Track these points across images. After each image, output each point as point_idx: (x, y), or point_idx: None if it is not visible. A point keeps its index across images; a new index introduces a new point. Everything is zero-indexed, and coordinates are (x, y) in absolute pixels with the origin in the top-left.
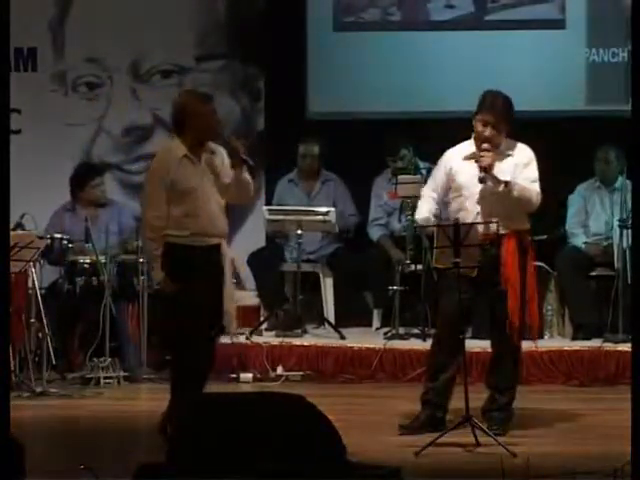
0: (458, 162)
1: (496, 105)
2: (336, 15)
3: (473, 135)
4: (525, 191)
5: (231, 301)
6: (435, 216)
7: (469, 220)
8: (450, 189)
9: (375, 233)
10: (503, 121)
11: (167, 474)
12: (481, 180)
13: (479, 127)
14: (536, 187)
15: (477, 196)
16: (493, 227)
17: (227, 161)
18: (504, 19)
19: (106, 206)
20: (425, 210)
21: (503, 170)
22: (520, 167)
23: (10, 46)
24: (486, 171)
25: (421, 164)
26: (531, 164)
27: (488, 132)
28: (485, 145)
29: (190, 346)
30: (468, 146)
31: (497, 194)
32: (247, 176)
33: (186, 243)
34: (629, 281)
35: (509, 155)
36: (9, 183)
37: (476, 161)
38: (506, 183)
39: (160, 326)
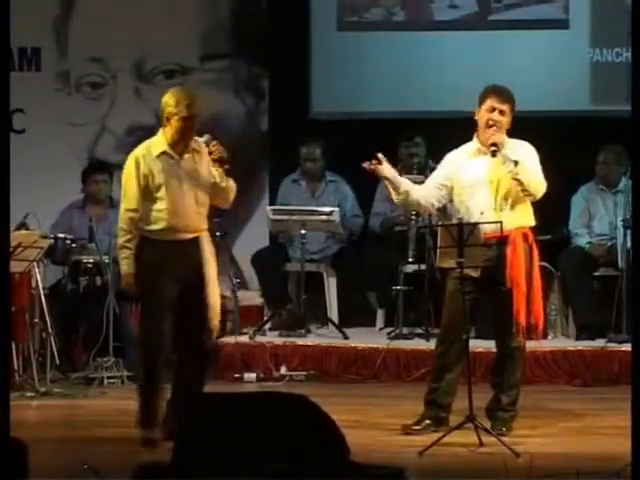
0: (463, 160)
1: (501, 92)
2: (340, 15)
3: (475, 135)
4: (532, 175)
5: (216, 296)
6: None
7: (473, 219)
8: (453, 189)
9: (376, 223)
10: (508, 106)
11: (165, 475)
12: (493, 154)
13: (486, 114)
14: (541, 177)
15: (482, 194)
16: (497, 227)
17: (210, 162)
18: (508, 19)
19: (114, 206)
20: (418, 192)
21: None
22: (524, 159)
23: (13, 46)
24: (496, 147)
25: (430, 162)
26: (534, 158)
27: (496, 115)
28: (494, 128)
29: (156, 344)
30: (471, 146)
31: (506, 184)
32: (228, 184)
33: (158, 237)
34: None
35: (512, 149)
36: (9, 183)
37: (487, 139)
38: (515, 162)
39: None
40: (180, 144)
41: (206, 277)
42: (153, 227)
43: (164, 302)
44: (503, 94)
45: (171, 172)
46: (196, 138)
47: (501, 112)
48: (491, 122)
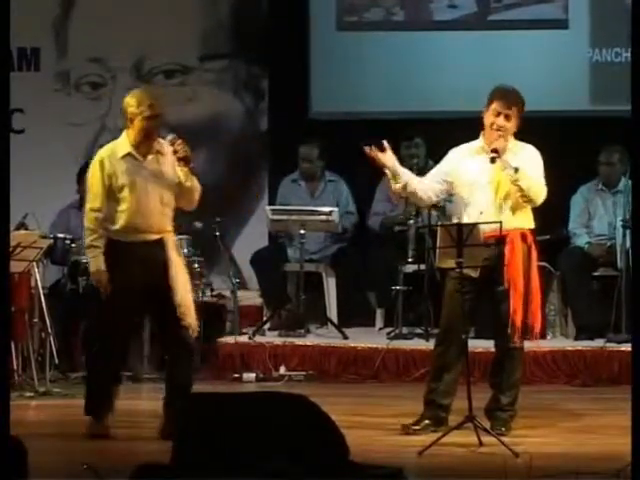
0: (466, 156)
1: (508, 95)
2: (339, 15)
3: (482, 133)
4: (532, 182)
5: (185, 294)
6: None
7: (472, 219)
8: (453, 185)
9: (375, 222)
10: (515, 110)
11: (165, 475)
12: (492, 160)
13: (491, 117)
14: (542, 182)
15: (482, 193)
16: (496, 226)
17: (175, 162)
18: (507, 19)
19: None
20: (418, 184)
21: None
22: (527, 163)
23: (13, 46)
24: (497, 153)
25: (430, 162)
26: (537, 162)
27: (500, 120)
28: (497, 133)
29: (107, 344)
30: (476, 144)
31: (506, 185)
32: (193, 183)
33: (122, 238)
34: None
35: (516, 152)
36: (9, 183)
37: (489, 144)
38: (515, 169)
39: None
40: (144, 145)
41: (171, 277)
42: (117, 227)
43: (126, 302)
44: (509, 98)
45: (135, 173)
46: (159, 140)
47: (506, 116)
48: (495, 127)
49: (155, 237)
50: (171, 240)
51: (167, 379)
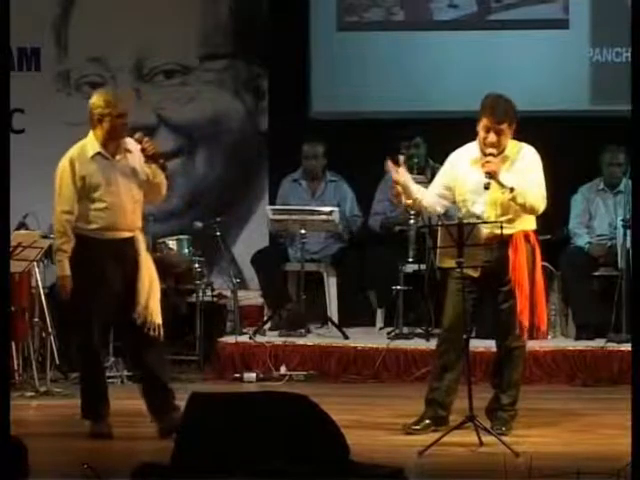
0: (464, 166)
1: (497, 109)
2: (339, 15)
3: (478, 138)
4: (530, 196)
5: (148, 294)
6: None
7: (473, 221)
8: (455, 192)
9: (376, 222)
10: (506, 125)
11: (164, 474)
12: (486, 186)
13: (482, 133)
14: (541, 191)
15: (482, 200)
16: (498, 228)
17: (142, 160)
18: (507, 19)
19: None
20: (426, 199)
21: (508, 173)
22: (525, 171)
23: (13, 46)
24: (491, 177)
25: (430, 162)
26: (536, 167)
27: (491, 137)
28: (490, 150)
29: (87, 343)
30: (473, 148)
31: (502, 200)
32: (161, 179)
33: (94, 236)
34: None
35: (514, 158)
36: (9, 183)
37: (482, 165)
38: (511, 189)
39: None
40: (112, 144)
41: (139, 275)
42: (93, 226)
43: (101, 299)
44: (499, 112)
45: (106, 172)
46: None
47: (497, 132)
48: (488, 143)
49: (127, 235)
50: (141, 237)
51: (140, 379)
